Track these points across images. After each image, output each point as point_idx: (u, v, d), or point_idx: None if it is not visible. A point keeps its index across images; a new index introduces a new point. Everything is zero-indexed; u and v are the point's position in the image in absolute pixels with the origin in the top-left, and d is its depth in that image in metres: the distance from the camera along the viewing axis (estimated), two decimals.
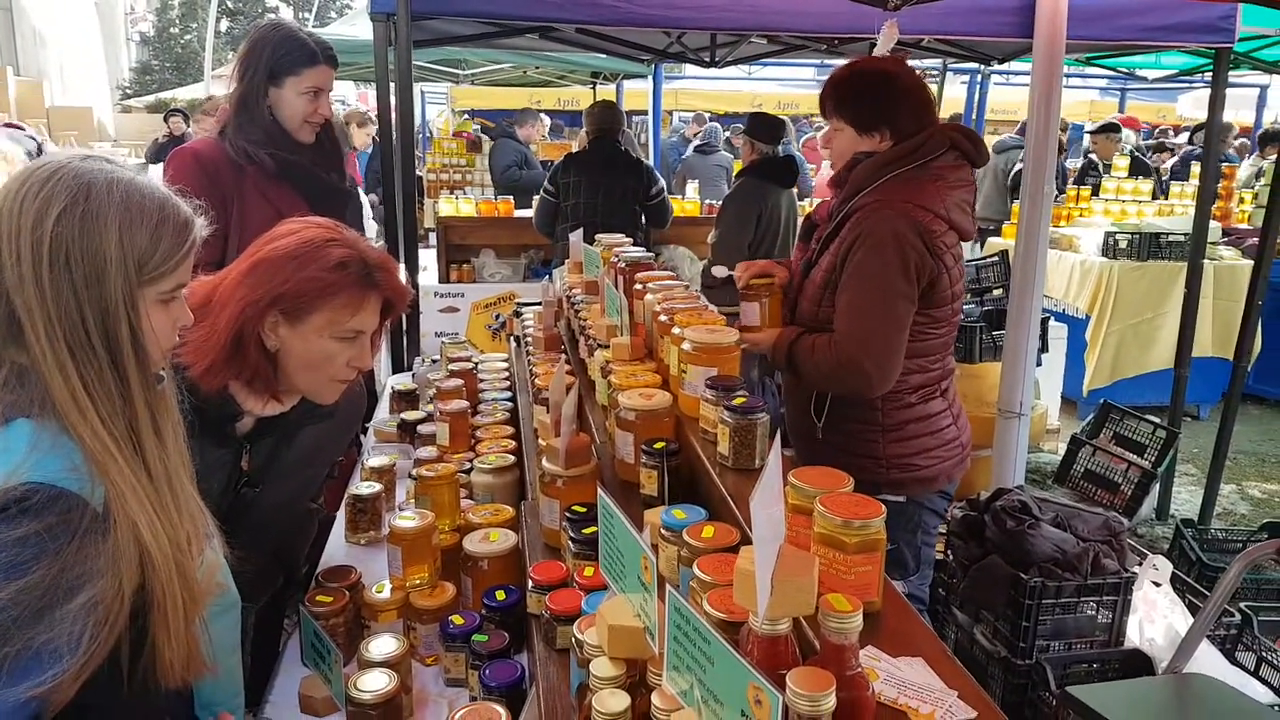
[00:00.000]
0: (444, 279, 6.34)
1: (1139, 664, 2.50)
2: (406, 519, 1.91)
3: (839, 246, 2.29)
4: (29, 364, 1.16)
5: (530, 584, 1.64)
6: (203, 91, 13.10)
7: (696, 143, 9.80)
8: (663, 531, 1.47)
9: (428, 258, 6.32)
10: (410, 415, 2.81)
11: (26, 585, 1.06)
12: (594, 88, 10.82)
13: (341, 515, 2.35)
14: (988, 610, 2.69)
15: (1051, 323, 5.20)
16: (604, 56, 7.57)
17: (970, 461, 2.56)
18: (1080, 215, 7.31)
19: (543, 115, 11.66)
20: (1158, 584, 2.63)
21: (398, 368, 3.92)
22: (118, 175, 1.22)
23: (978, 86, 9.03)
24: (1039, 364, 4.16)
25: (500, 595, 1.74)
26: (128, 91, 24.49)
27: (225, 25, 29.27)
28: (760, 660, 0.94)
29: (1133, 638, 2.59)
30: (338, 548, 2.29)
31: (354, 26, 8.26)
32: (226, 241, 2.68)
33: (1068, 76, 3.89)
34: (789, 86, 15.24)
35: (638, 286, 2.41)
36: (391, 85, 3.98)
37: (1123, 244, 6.12)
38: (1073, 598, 2.56)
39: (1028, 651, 2.55)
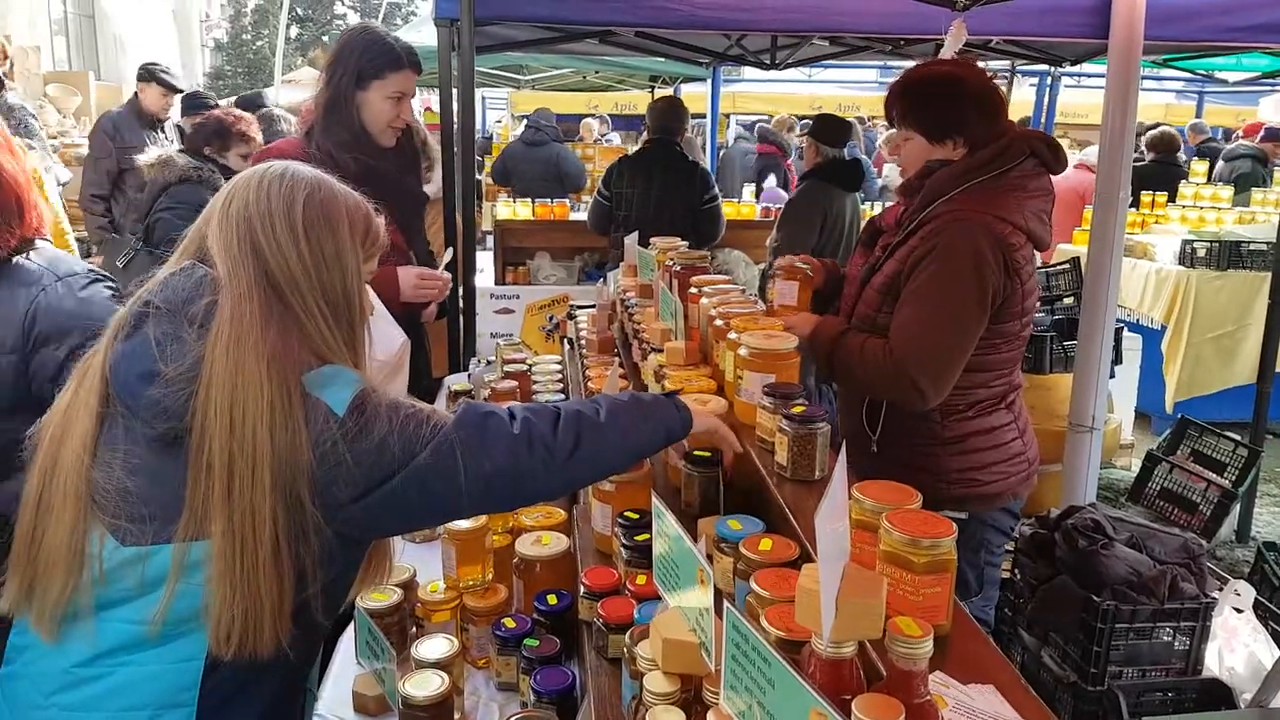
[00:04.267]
0: (500, 281, 6.38)
1: (1218, 694, 2.38)
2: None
3: (908, 254, 2.20)
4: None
5: (582, 590, 1.62)
6: (274, 96, 13.40)
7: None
8: (718, 543, 1.43)
9: (484, 260, 6.39)
10: None
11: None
12: (652, 91, 10.81)
13: None
14: (1057, 633, 2.59)
15: (1125, 333, 5.02)
16: (663, 60, 7.55)
17: (1038, 478, 2.46)
18: (1156, 222, 7.08)
19: (591, 119, 11.71)
20: (1239, 610, 2.51)
21: (454, 368, 3.92)
22: (325, 175, 1.47)
23: (1048, 89, 8.79)
24: (1112, 376, 4.01)
25: (552, 600, 1.72)
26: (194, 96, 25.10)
27: (295, 31, 29.92)
28: (823, 684, 0.89)
29: (1211, 666, 2.47)
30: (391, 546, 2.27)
31: (418, 33, 8.36)
32: None
33: (1143, 78, 3.78)
34: (850, 89, 15.03)
35: (692, 290, 2.37)
36: (454, 91, 3.99)
37: (1201, 252, 5.90)
38: (1148, 622, 2.44)
39: (1099, 677, 2.44)
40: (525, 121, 8.70)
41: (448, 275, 2.89)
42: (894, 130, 2.42)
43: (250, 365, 1.26)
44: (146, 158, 5.72)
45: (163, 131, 6.13)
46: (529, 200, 6.86)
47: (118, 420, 1.34)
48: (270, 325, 1.31)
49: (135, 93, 6.21)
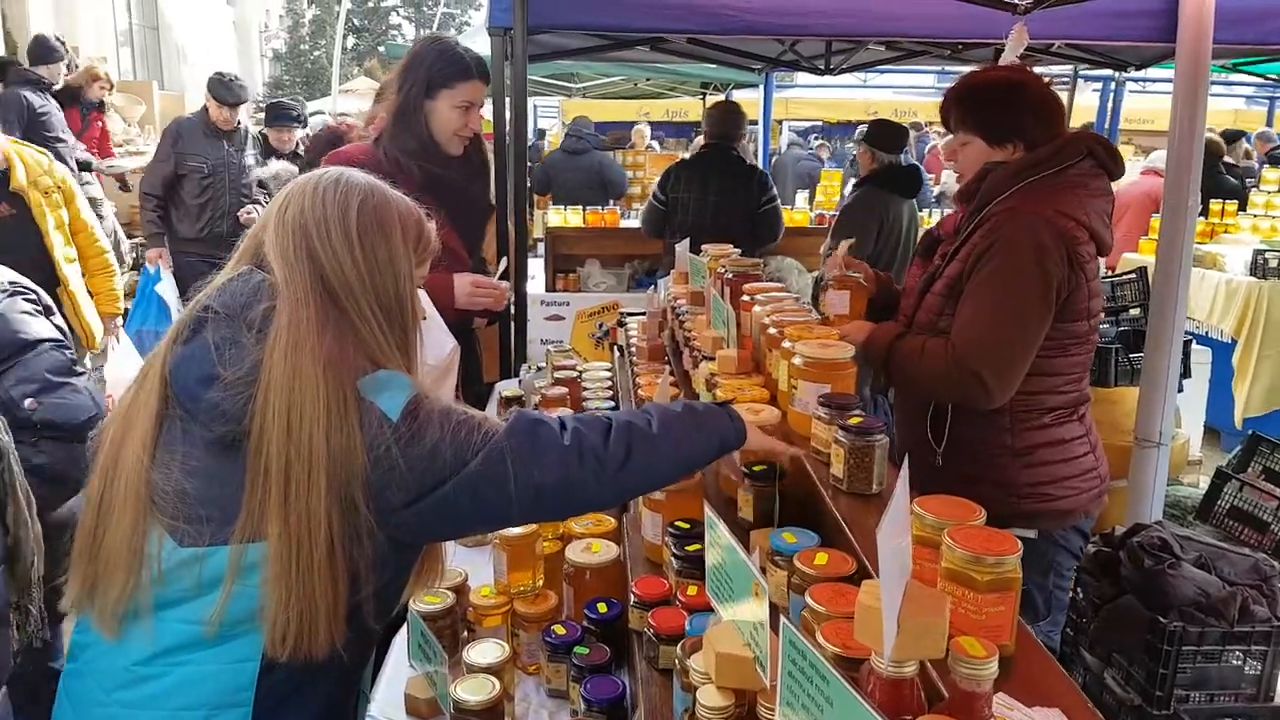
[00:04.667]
0: (550, 288, 6.41)
1: None
2: None
3: (968, 253, 2.17)
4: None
5: (632, 599, 1.60)
6: (330, 105, 13.64)
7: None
8: (772, 555, 1.40)
9: (535, 267, 6.45)
10: None
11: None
12: (704, 98, 10.79)
13: None
14: (1121, 654, 2.51)
15: (1194, 346, 4.87)
16: (714, 66, 7.52)
17: (1105, 500, 2.39)
18: (1225, 231, 6.88)
19: (642, 126, 11.73)
20: None
21: (505, 374, 3.94)
22: (378, 181, 1.49)
23: (1111, 94, 8.60)
24: (1180, 390, 3.89)
25: (602, 608, 1.71)
26: (260, 104, 25.70)
27: (351, 42, 30.46)
28: (883, 704, 0.86)
29: None
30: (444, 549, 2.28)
31: (471, 42, 8.44)
32: None
33: (1211, 83, 3.65)
34: (906, 94, 14.82)
35: (745, 298, 2.34)
36: (506, 100, 4.01)
37: (1274, 263, 5.71)
38: (1217, 645, 2.36)
39: (1165, 701, 2.36)
40: (565, 130, 8.74)
41: (504, 284, 2.91)
42: (949, 137, 2.38)
43: (307, 369, 1.28)
44: (266, 171, 5.92)
45: (230, 142, 6.17)
46: (580, 208, 6.89)
47: (176, 423, 1.36)
48: (326, 330, 1.32)
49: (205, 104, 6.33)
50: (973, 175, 2.27)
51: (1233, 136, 9.12)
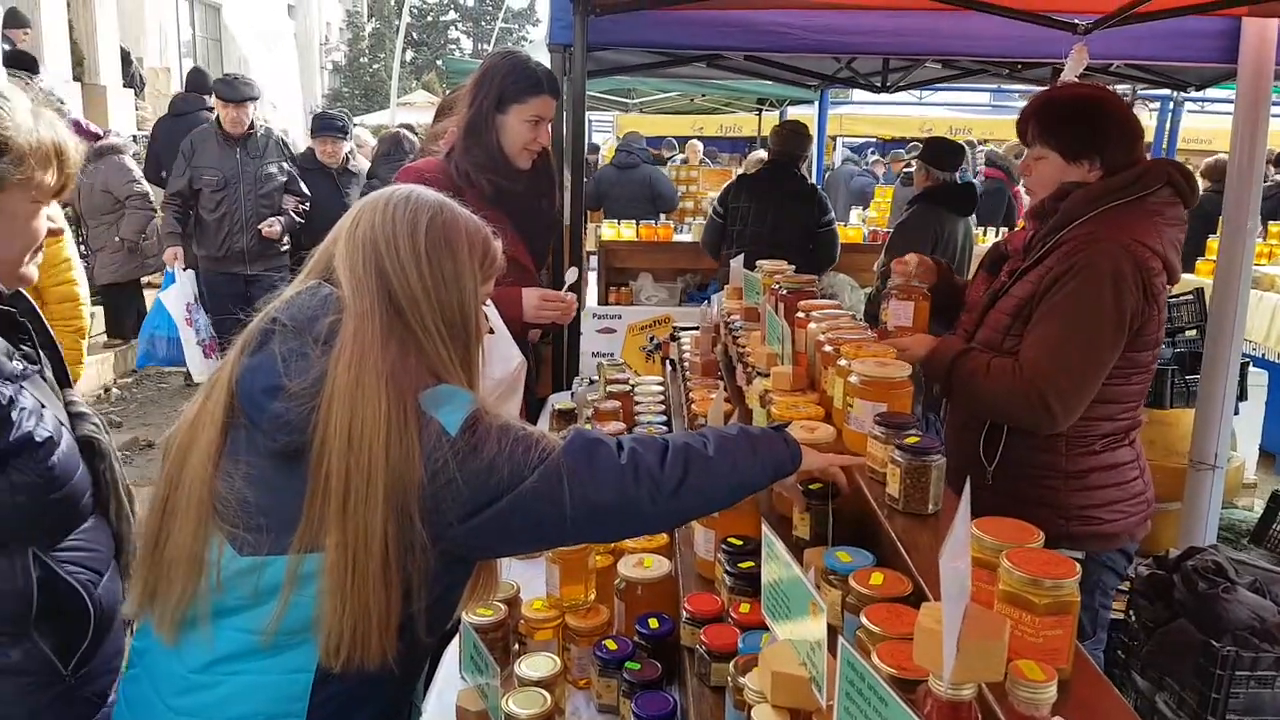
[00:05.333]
0: (603, 300, 6.45)
1: None
2: None
3: (1042, 275, 2.16)
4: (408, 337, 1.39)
5: (684, 615, 1.61)
6: (389, 118, 13.86)
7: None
8: (827, 574, 1.41)
9: (589, 280, 6.47)
10: None
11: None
12: (759, 114, 10.79)
13: None
14: (1173, 678, 2.47)
15: (1251, 368, 4.78)
16: (770, 83, 7.54)
17: (1157, 516, 2.37)
18: None
19: (695, 141, 11.77)
20: None
21: (558, 386, 3.98)
22: (447, 199, 1.51)
23: (1169, 114, 8.47)
24: (1236, 412, 3.83)
25: (653, 624, 1.72)
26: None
27: (410, 56, 30.93)
28: None
29: None
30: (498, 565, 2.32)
31: None
32: None
33: (1273, 104, 3.58)
34: (962, 111, 14.66)
35: (799, 315, 2.35)
36: (565, 115, 4.07)
37: None
38: (1271, 670, 2.33)
39: None
40: (615, 145, 8.79)
41: (572, 296, 2.92)
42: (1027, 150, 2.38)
43: (370, 382, 1.30)
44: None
45: (245, 149, 5.80)
46: (633, 221, 6.93)
47: (241, 432, 1.39)
48: (390, 343, 1.34)
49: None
50: (1048, 193, 2.26)
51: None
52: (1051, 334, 2.11)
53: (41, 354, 1.67)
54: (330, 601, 1.29)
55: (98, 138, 7.10)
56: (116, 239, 7.02)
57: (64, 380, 1.75)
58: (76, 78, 10.84)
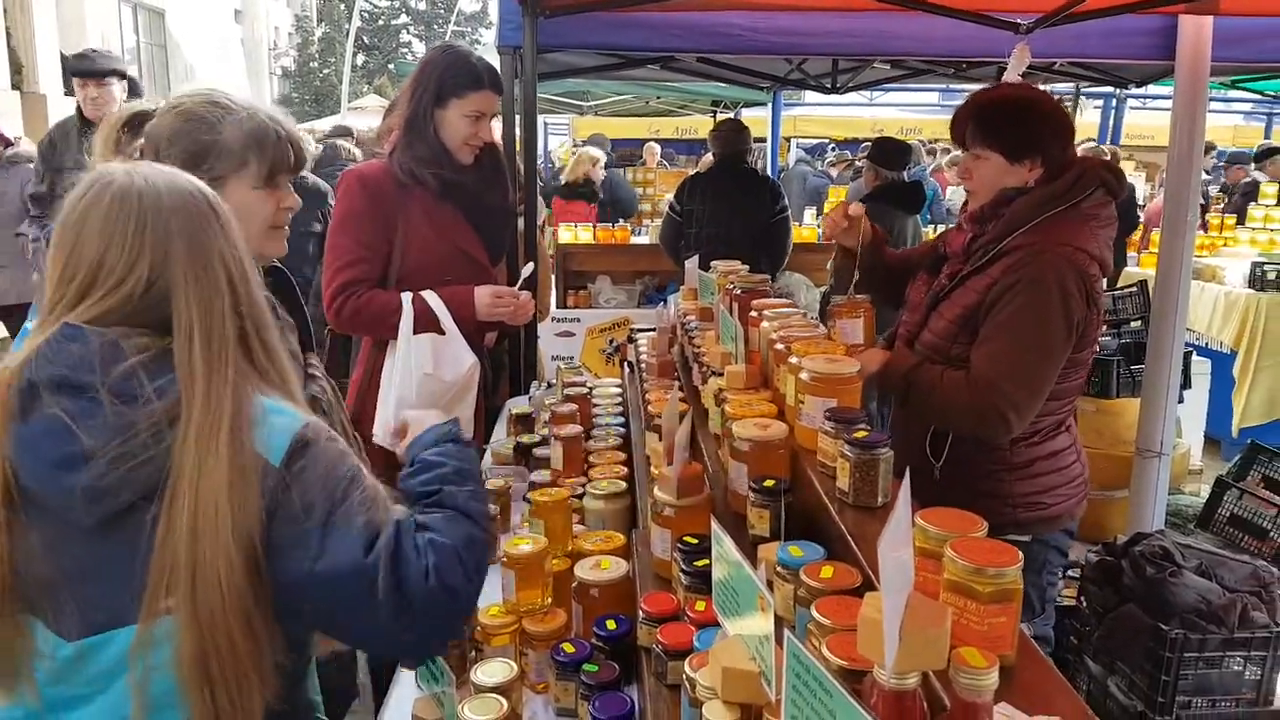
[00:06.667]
0: (561, 304, 6.44)
1: None
2: (521, 543, 1.91)
3: (988, 285, 2.21)
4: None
5: (641, 615, 1.62)
6: (340, 123, 13.75)
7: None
8: (778, 569, 1.43)
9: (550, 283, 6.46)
10: (526, 438, 2.83)
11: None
12: (714, 116, 10.87)
13: None
14: (1124, 662, 2.53)
15: (1194, 357, 4.90)
16: (724, 85, 7.59)
17: (1106, 504, 2.44)
18: (1224, 245, 6.91)
19: (653, 143, 11.79)
20: None
21: (515, 390, 3.97)
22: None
23: (1113, 111, 8.65)
24: (1181, 400, 3.92)
25: (611, 625, 1.71)
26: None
27: (360, 60, 30.64)
28: (886, 716, 0.89)
29: None
30: None
31: None
32: (389, 261, 2.76)
33: (1210, 100, 3.67)
34: (911, 111, 14.92)
35: (753, 313, 2.37)
36: (516, 118, 4.06)
37: (1271, 275, 5.77)
38: (1218, 652, 2.39)
39: (1167, 707, 2.38)
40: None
41: (526, 294, 2.90)
42: (956, 153, 2.42)
43: (201, 420, 1.18)
44: None
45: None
46: (590, 225, 6.94)
47: (35, 514, 1.21)
48: (215, 373, 1.21)
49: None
50: (989, 197, 2.29)
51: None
52: (1002, 349, 2.16)
53: (289, 320, 1.81)
54: (191, 668, 1.17)
55: (8, 144, 6.43)
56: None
57: (307, 345, 1.93)
58: (15, 86, 10.62)
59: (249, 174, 1.69)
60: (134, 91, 4.83)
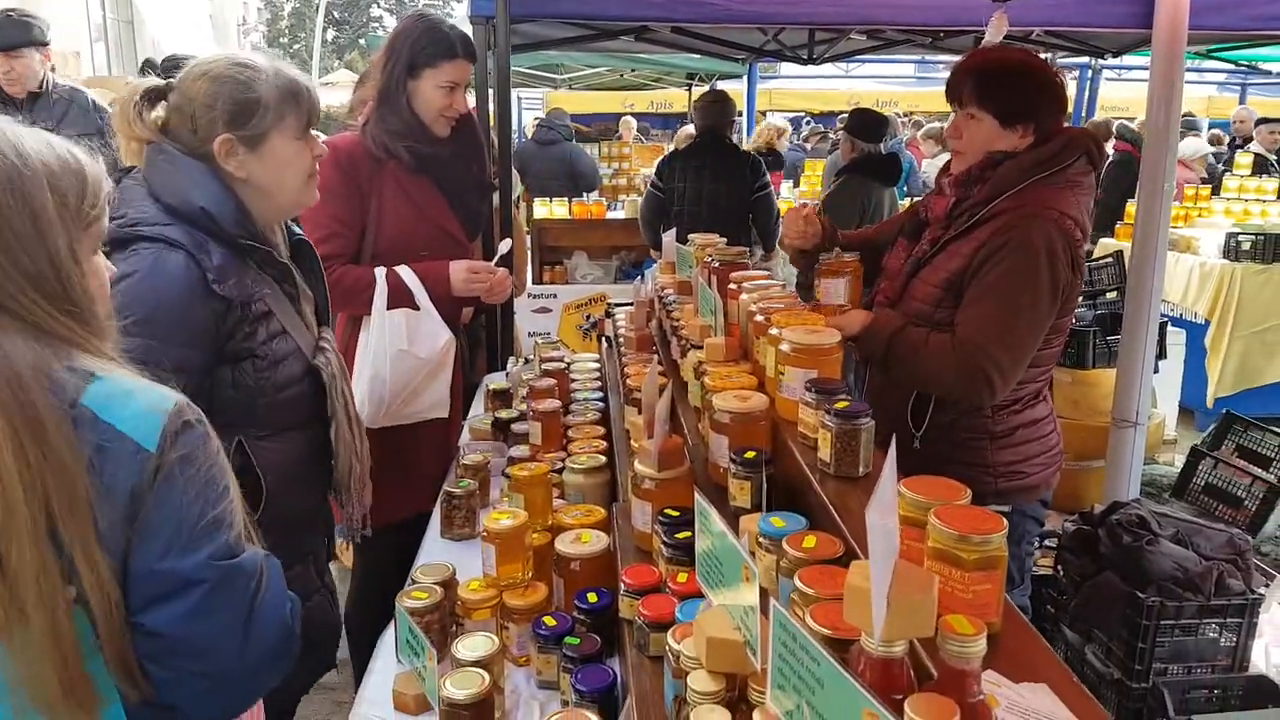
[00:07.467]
0: (538, 280, 6.41)
1: (1265, 691, 2.34)
2: (501, 517, 1.89)
3: (974, 249, 2.19)
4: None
5: (623, 588, 1.61)
6: None
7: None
8: (760, 539, 1.42)
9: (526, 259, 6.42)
10: (504, 414, 2.81)
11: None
12: (690, 89, 10.81)
13: (437, 512, 2.36)
14: (1100, 630, 2.56)
15: (1169, 328, 4.94)
16: (699, 57, 7.54)
17: (1083, 474, 2.46)
18: (1199, 215, 6.96)
19: (629, 118, 11.70)
20: None
21: (492, 366, 3.94)
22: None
23: (1089, 81, 8.66)
24: (1156, 371, 3.95)
25: (592, 598, 1.71)
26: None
27: (331, 35, 30.25)
28: (874, 683, 0.88)
29: (1258, 663, 2.44)
30: (432, 544, 2.29)
31: None
32: (364, 235, 2.71)
33: (1185, 70, 3.68)
34: (888, 84, 14.91)
35: (732, 286, 2.35)
36: (490, 91, 4.01)
37: (1246, 245, 5.81)
38: (1194, 619, 2.42)
39: (1144, 675, 2.41)
40: (537, 121, 8.72)
41: (503, 270, 2.85)
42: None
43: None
44: None
45: (30, 116, 3.66)
46: (565, 199, 6.88)
47: None
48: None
49: None
50: (977, 159, 2.26)
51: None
52: (989, 312, 2.14)
53: (306, 290, 1.94)
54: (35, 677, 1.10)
55: None
56: None
57: (323, 319, 2.04)
58: None
59: (288, 126, 1.80)
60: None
